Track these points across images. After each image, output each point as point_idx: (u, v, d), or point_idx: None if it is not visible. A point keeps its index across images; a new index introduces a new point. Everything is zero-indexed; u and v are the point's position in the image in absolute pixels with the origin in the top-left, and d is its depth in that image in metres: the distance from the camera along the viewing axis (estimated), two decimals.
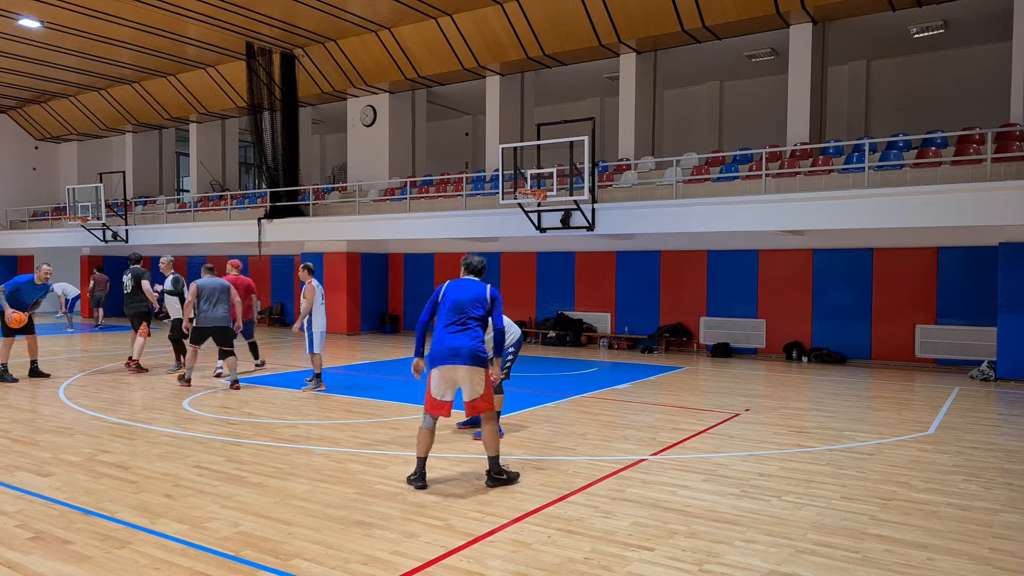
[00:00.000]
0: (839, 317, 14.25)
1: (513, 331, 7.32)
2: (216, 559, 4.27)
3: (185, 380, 10.53)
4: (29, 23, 17.54)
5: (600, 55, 16.96)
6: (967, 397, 10.12)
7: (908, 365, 13.44)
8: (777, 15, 14.23)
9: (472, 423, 7.63)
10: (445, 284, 5.91)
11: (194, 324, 10.43)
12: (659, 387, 10.90)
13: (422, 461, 5.65)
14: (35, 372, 11.27)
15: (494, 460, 5.67)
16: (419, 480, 5.64)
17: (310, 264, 10.52)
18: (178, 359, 12.07)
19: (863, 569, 4.17)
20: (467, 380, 5.54)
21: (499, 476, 5.69)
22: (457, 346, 5.53)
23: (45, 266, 11.23)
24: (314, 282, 10.22)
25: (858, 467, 6.35)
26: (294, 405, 9.22)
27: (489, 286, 5.86)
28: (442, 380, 5.57)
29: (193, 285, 10.52)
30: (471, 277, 5.97)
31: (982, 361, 12.30)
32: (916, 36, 16.12)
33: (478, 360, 5.54)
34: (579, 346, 16.57)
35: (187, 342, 10.74)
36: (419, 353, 5.92)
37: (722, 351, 14.97)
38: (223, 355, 10.72)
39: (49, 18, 17.32)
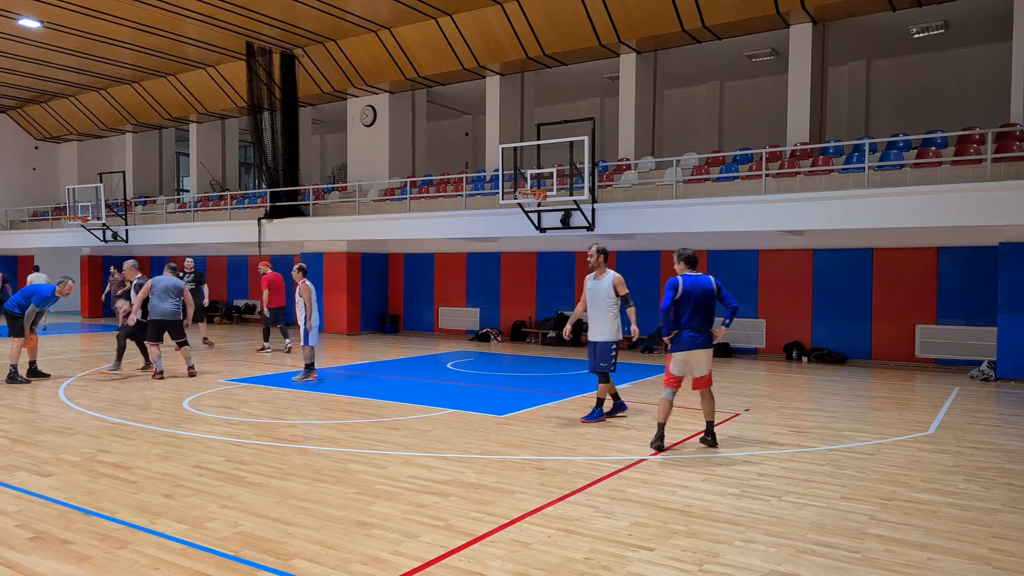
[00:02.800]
0: (839, 317, 14.25)
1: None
2: (216, 559, 4.27)
3: (159, 374, 11.20)
4: (29, 23, 17.54)
5: (600, 55, 16.96)
6: (967, 397, 10.12)
7: (908, 365, 13.43)
8: (777, 15, 14.23)
9: (593, 417, 8.36)
10: (681, 279, 6.91)
11: (148, 318, 11.30)
12: (659, 387, 10.86)
13: (662, 427, 6.99)
14: (34, 372, 11.28)
15: (711, 424, 7.17)
16: (659, 442, 6.92)
17: (303, 265, 11.32)
18: (146, 359, 12.28)
19: (863, 569, 4.17)
20: (703, 361, 6.98)
21: (707, 438, 7.12)
22: (701, 339, 6.90)
23: (70, 282, 11.53)
24: (307, 281, 10.99)
25: (858, 467, 6.35)
26: (294, 405, 9.22)
27: (712, 277, 6.98)
28: (684, 362, 6.95)
29: (148, 281, 11.32)
30: (694, 272, 6.97)
31: (982, 361, 12.30)
32: (916, 36, 16.12)
33: (710, 345, 6.99)
34: (579, 346, 16.55)
35: (147, 341, 11.55)
36: (669, 332, 7.01)
37: (722, 351, 14.96)
38: (178, 347, 11.51)
39: (49, 18, 17.32)
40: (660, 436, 6.96)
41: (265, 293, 14.34)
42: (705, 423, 7.17)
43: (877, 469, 6.29)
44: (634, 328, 8.08)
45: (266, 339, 15.02)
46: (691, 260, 7.05)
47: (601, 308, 8.15)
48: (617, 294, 8.07)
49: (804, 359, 14.21)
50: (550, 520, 4.94)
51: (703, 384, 7.07)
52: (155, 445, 7.03)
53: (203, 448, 6.93)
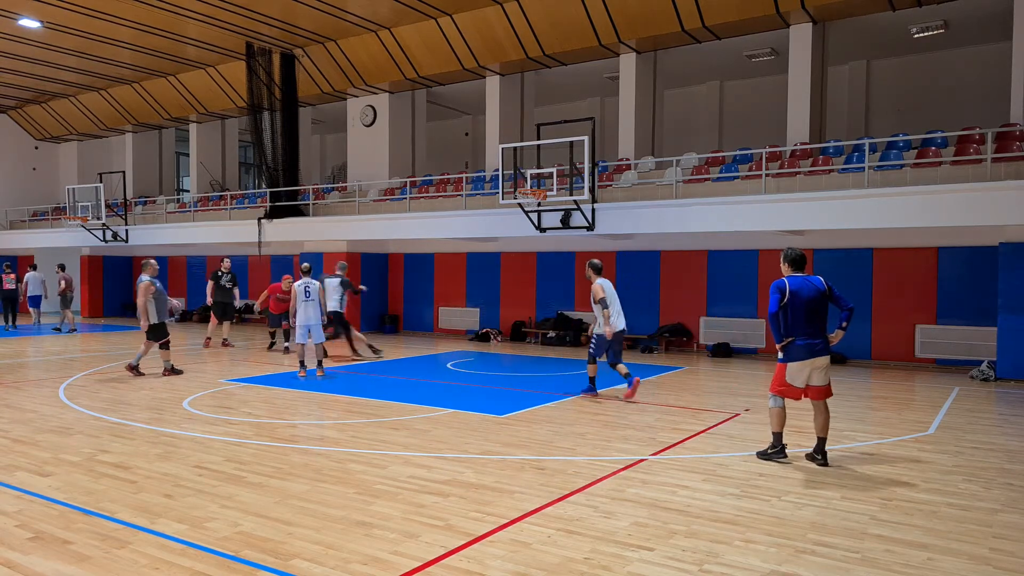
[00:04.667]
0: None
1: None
2: (216, 559, 4.27)
3: (169, 369, 11.48)
4: (29, 23, 17.54)
5: (600, 55, 16.96)
6: (967, 397, 10.12)
7: (908, 365, 13.43)
8: (777, 15, 14.23)
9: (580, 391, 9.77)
10: (787, 281, 6.50)
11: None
12: (659, 387, 10.89)
13: (779, 435, 6.58)
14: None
15: (823, 441, 6.55)
16: (782, 453, 6.55)
17: (306, 265, 11.90)
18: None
19: (863, 569, 4.17)
20: (822, 373, 6.48)
21: (817, 456, 6.51)
22: (818, 346, 6.45)
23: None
24: (299, 281, 11.54)
25: (858, 467, 6.35)
26: (294, 405, 9.22)
27: (821, 277, 6.58)
28: (800, 372, 6.44)
29: (152, 286, 11.31)
30: (801, 273, 6.60)
31: (982, 361, 12.30)
32: (916, 36, 16.12)
33: (828, 351, 6.54)
34: (579, 346, 16.56)
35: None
36: (780, 339, 6.52)
37: (722, 351, 14.96)
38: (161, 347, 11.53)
39: (49, 18, 17.32)
40: (778, 445, 6.55)
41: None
42: (816, 439, 6.55)
43: (877, 469, 6.29)
44: (605, 328, 9.30)
45: (286, 338, 15.31)
46: (797, 260, 6.61)
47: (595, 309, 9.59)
48: (594, 300, 9.42)
49: None
50: (550, 520, 4.94)
51: (822, 394, 6.51)
52: (155, 445, 7.03)
53: (203, 448, 6.93)
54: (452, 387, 10.82)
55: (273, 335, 15.61)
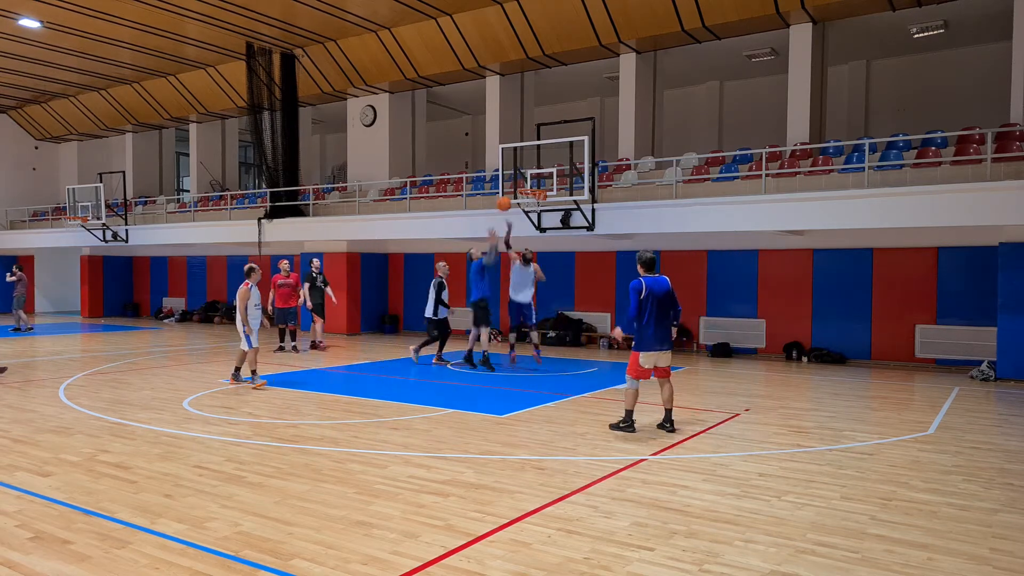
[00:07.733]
0: (839, 317, 14.24)
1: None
2: (216, 559, 4.27)
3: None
4: (29, 23, 17.54)
5: (600, 55, 16.96)
6: (967, 397, 10.12)
7: (908, 365, 13.43)
8: (777, 15, 14.23)
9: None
10: (643, 281, 7.46)
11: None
12: (659, 387, 10.87)
13: (631, 413, 7.69)
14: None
15: (669, 412, 7.82)
16: (631, 428, 7.63)
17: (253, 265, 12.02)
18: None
19: (863, 569, 4.17)
20: (667, 358, 7.65)
21: (666, 424, 7.76)
22: (666, 336, 7.57)
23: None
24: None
25: (858, 467, 6.35)
26: (294, 405, 9.23)
27: (667, 278, 7.64)
28: (649, 359, 7.54)
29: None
30: (653, 274, 7.59)
31: (982, 361, 12.29)
32: (916, 36, 16.12)
33: (672, 344, 7.70)
34: (579, 346, 16.56)
35: None
36: (628, 332, 7.67)
37: (722, 351, 14.96)
38: None
39: (49, 18, 17.32)
40: (628, 420, 7.66)
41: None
42: (664, 411, 7.79)
43: (877, 469, 6.29)
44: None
45: (293, 339, 15.23)
46: (649, 263, 7.61)
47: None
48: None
49: (804, 359, 14.21)
50: (550, 520, 4.94)
51: (667, 373, 7.74)
52: (155, 445, 7.03)
53: (203, 448, 6.93)
54: (452, 387, 10.82)
55: (282, 335, 15.40)
